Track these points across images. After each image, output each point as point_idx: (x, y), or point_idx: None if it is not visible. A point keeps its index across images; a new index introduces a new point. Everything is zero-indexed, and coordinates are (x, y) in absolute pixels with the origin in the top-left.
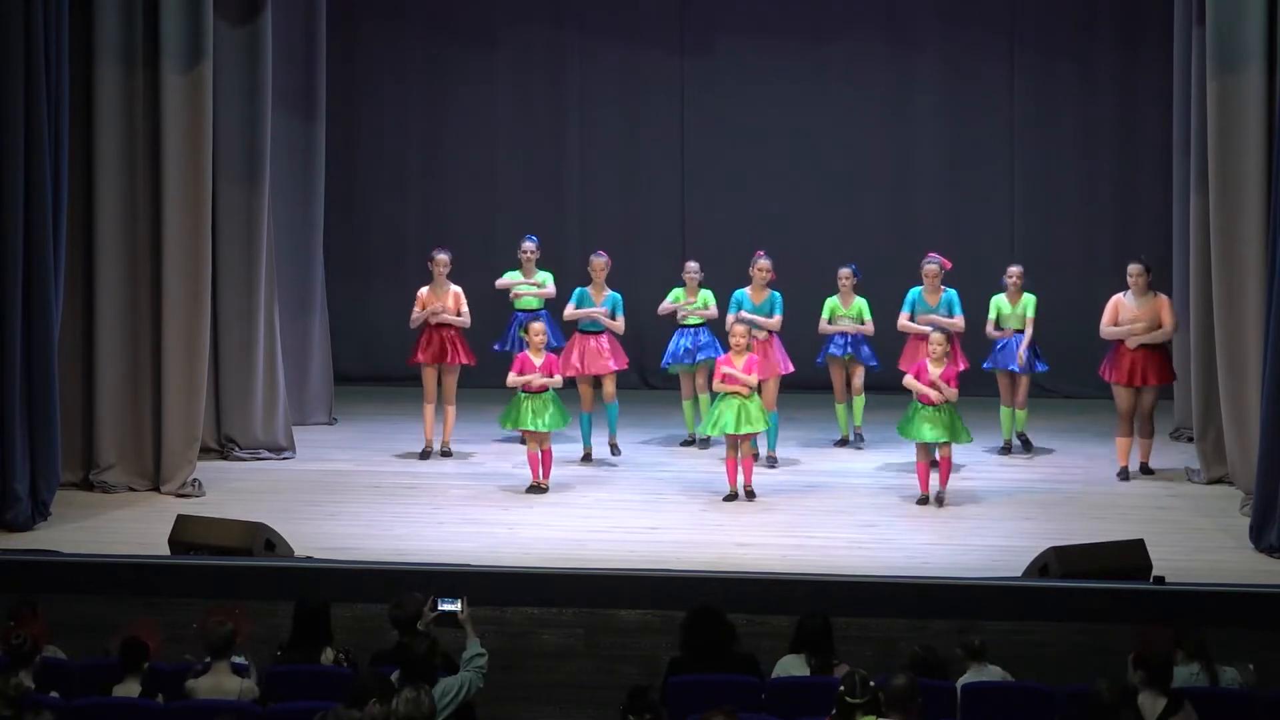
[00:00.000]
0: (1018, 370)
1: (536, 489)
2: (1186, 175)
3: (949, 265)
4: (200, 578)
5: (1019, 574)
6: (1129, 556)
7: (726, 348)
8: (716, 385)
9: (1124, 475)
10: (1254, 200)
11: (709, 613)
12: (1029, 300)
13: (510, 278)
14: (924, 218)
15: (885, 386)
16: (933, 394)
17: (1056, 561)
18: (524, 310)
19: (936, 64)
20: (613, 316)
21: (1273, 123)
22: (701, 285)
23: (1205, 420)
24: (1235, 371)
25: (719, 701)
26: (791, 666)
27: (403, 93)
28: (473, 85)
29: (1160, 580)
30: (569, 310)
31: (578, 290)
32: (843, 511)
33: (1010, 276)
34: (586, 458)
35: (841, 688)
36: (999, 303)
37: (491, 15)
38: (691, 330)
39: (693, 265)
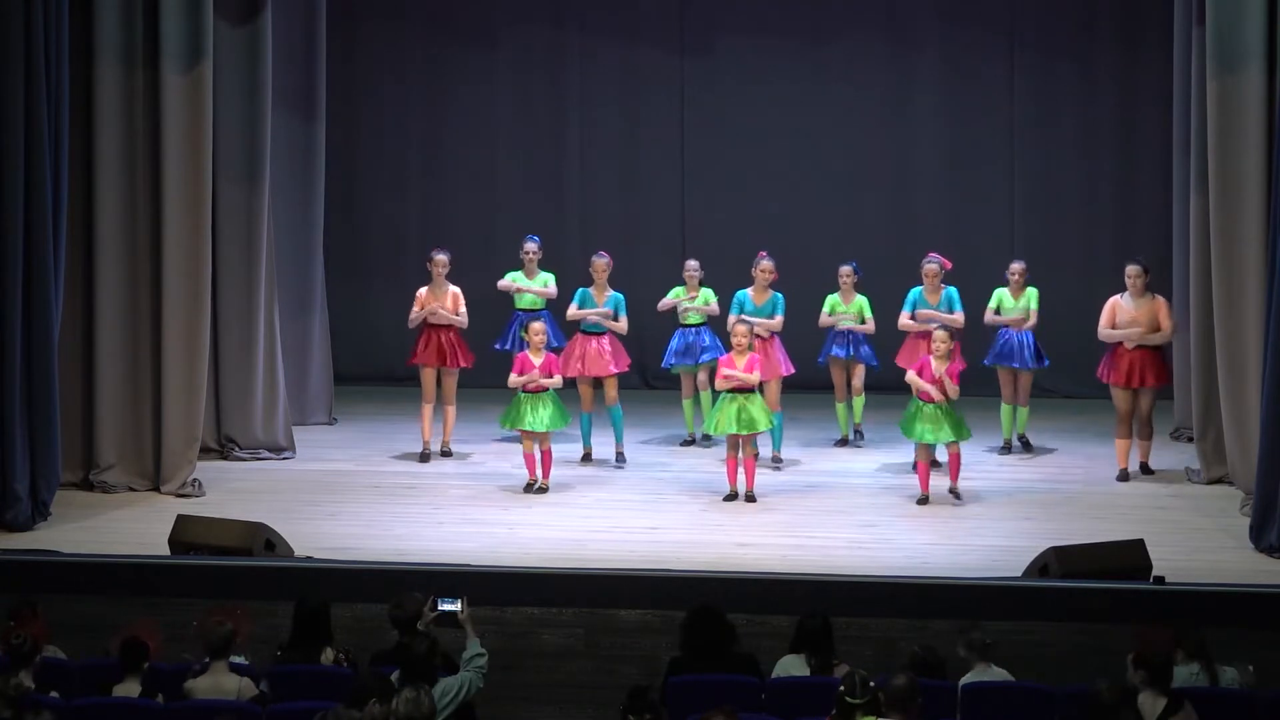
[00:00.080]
0: (1018, 366)
1: (532, 487)
2: (1186, 175)
3: (949, 265)
4: (200, 578)
5: (1019, 574)
6: (1129, 556)
7: (728, 348)
8: (719, 384)
9: (1124, 477)
10: (1254, 200)
11: (709, 613)
12: (1032, 293)
13: (512, 279)
14: (924, 218)
15: (885, 386)
16: (934, 392)
17: (1056, 561)
18: (525, 310)
19: (936, 64)
20: (615, 317)
21: (1273, 123)
22: (702, 284)
23: (1205, 420)
24: (1235, 371)
25: (719, 701)
26: (791, 666)
27: (403, 93)
28: (473, 85)
29: (1160, 580)
30: (571, 310)
31: (580, 291)
32: (843, 511)
33: (1013, 274)
34: (586, 458)
35: (841, 688)
36: (1001, 295)
37: (491, 15)
38: (692, 330)
39: (693, 264)
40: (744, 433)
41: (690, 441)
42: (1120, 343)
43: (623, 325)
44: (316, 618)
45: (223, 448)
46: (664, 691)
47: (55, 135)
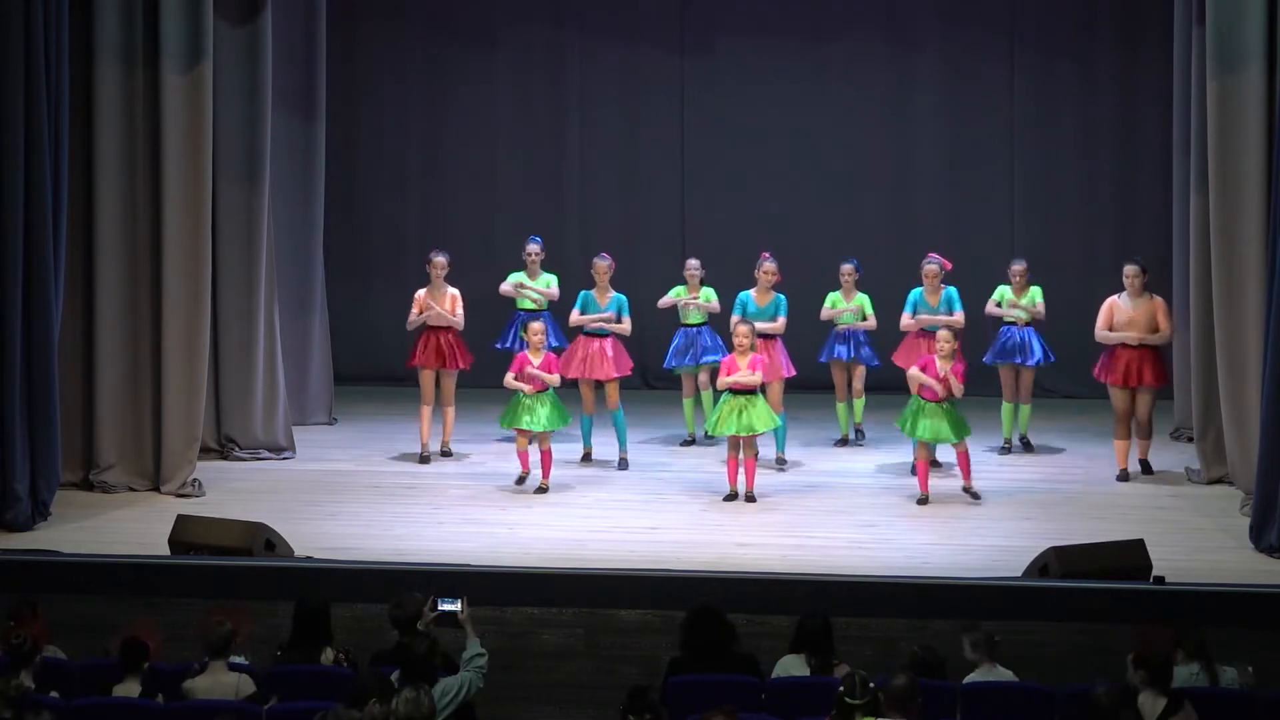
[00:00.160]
0: (1020, 362)
1: (523, 481)
2: (1186, 175)
3: (949, 266)
4: (200, 578)
5: (1019, 574)
6: (1129, 556)
7: (730, 348)
8: (721, 383)
9: (1123, 477)
10: (1254, 200)
11: (709, 613)
12: (1036, 291)
13: (514, 280)
14: (924, 218)
15: (885, 386)
16: (938, 387)
17: (1056, 561)
18: (526, 310)
19: (936, 64)
20: (618, 319)
21: (1273, 123)
22: (703, 283)
23: (1205, 420)
24: (1235, 371)
25: (719, 701)
26: (791, 666)
27: (403, 93)
28: (473, 85)
29: (1160, 580)
30: (574, 317)
31: (582, 294)
32: (843, 511)
33: (1014, 274)
34: (586, 457)
35: (841, 689)
36: (1004, 292)
37: (491, 15)
38: (693, 330)
39: (694, 263)
40: (744, 434)
41: (690, 441)
42: (1117, 343)
43: (626, 327)
44: (316, 618)
45: (223, 448)
46: (664, 691)
47: (55, 135)
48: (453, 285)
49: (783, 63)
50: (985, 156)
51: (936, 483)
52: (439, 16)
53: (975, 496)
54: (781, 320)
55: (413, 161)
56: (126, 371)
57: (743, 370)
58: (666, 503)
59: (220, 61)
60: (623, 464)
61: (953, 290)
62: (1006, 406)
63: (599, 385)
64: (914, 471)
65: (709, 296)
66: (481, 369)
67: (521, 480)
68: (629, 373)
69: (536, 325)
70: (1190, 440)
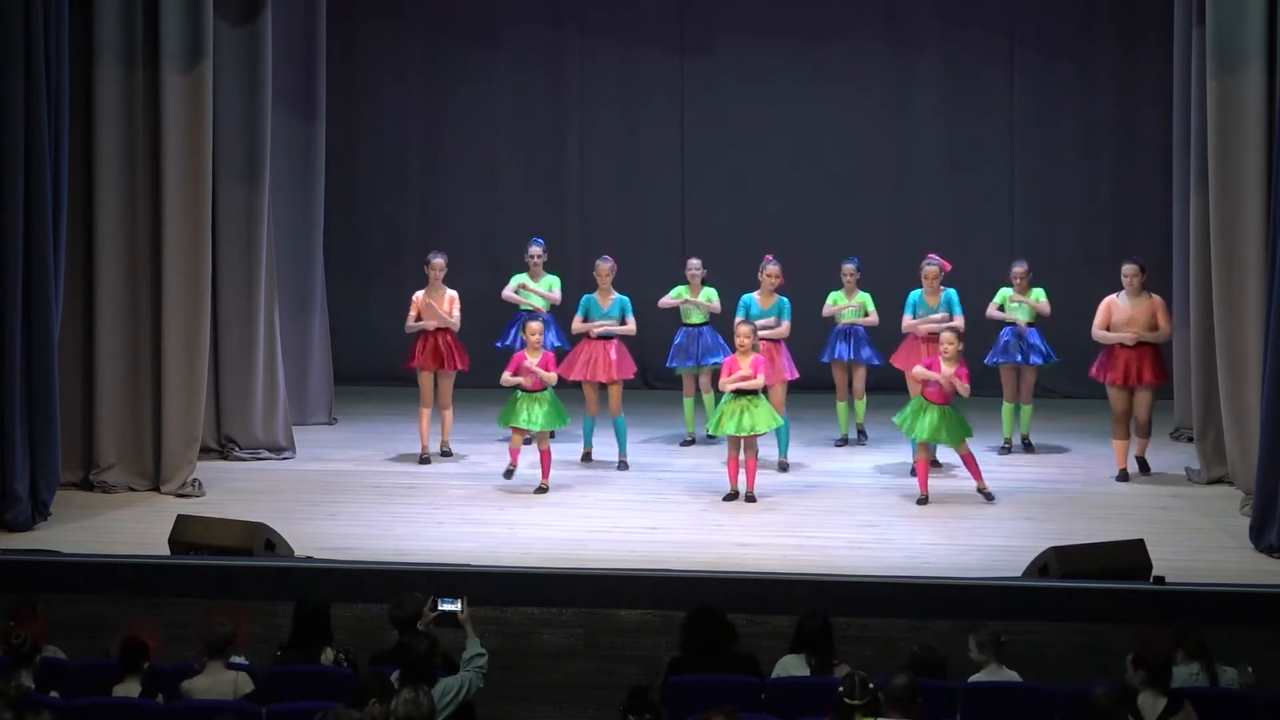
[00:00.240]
0: (1020, 361)
1: (511, 474)
2: (1186, 175)
3: (949, 267)
4: (200, 578)
5: (1019, 574)
6: (1129, 556)
7: (733, 348)
8: (724, 385)
9: (1123, 477)
10: (1254, 200)
11: (709, 613)
12: (1038, 293)
13: (517, 282)
14: (924, 218)
15: (885, 386)
16: (943, 381)
17: (1056, 561)
18: (529, 311)
19: (936, 64)
20: (622, 320)
21: (1273, 123)
22: (704, 283)
23: (1205, 420)
24: (1235, 371)
25: (719, 701)
26: (791, 666)
27: (403, 93)
28: (473, 85)
29: (1160, 580)
30: (576, 324)
31: (584, 298)
32: (843, 511)
33: (1016, 276)
34: (586, 457)
35: (840, 689)
36: (1007, 295)
37: (491, 15)
38: (695, 329)
39: (695, 262)
40: (745, 435)
41: (690, 442)
42: (1115, 343)
43: (631, 327)
44: (316, 618)
45: (223, 448)
46: (664, 691)
47: (55, 135)
48: (452, 286)
49: (783, 63)
50: (985, 156)
51: (936, 483)
52: (439, 16)
53: (990, 497)
54: (786, 325)
55: (413, 161)
56: (126, 371)
57: (744, 371)
58: (666, 503)
59: (220, 61)
60: (622, 465)
61: (952, 293)
62: (1007, 406)
63: (602, 387)
64: (914, 473)
65: (710, 296)
66: (482, 369)
67: (508, 474)
68: (632, 376)
69: (535, 325)
70: (1190, 440)
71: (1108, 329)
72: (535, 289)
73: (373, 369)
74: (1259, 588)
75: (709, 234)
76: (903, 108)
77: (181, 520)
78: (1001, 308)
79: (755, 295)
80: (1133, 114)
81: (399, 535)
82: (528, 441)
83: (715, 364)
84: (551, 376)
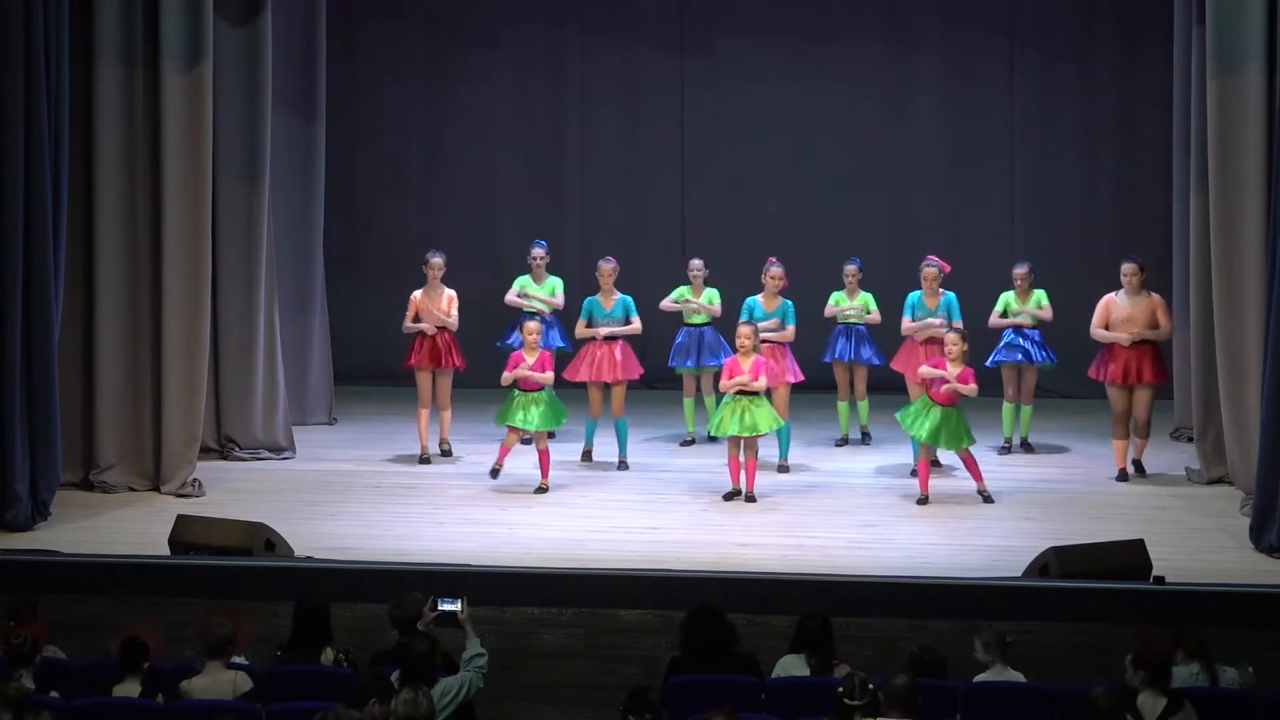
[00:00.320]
0: (1023, 360)
1: (497, 474)
2: (1186, 175)
3: (948, 269)
4: (200, 578)
5: (1019, 574)
6: (1129, 556)
7: (734, 349)
8: (724, 385)
9: (1123, 477)
10: (1254, 200)
11: (709, 613)
12: (1040, 295)
13: (519, 285)
14: (924, 218)
15: (886, 386)
16: (950, 377)
17: (1056, 561)
18: (531, 313)
19: (936, 64)
20: (627, 319)
21: (1273, 123)
22: (706, 283)
23: (1205, 420)
24: (1235, 371)
25: (719, 701)
26: (791, 666)
27: (403, 93)
28: (473, 85)
29: (1160, 580)
30: (580, 329)
31: (587, 301)
32: (843, 511)
33: (1017, 278)
34: (586, 455)
35: (840, 690)
36: (1008, 298)
37: (491, 15)
38: (697, 330)
39: (697, 263)
40: (746, 435)
41: (690, 442)
42: (1112, 342)
43: (636, 326)
44: (316, 618)
45: (223, 448)
46: (664, 691)
47: (55, 135)
48: (452, 286)
49: (783, 63)
50: (985, 156)
51: (936, 483)
52: (439, 16)
53: (989, 499)
54: (791, 329)
55: (413, 161)
56: (126, 371)
57: (743, 378)
58: (666, 503)
59: (220, 61)
60: (622, 465)
61: (952, 297)
62: (1007, 406)
63: (606, 388)
64: (913, 473)
65: (712, 298)
66: (482, 369)
67: (494, 474)
68: (637, 376)
69: (532, 325)
70: (1190, 440)
71: (1106, 328)
72: (538, 295)
73: (373, 369)
74: (1259, 588)
75: (709, 234)
76: (903, 108)
77: (181, 520)
78: (1004, 314)
79: (759, 298)
80: (1133, 114)
81: (399, 535)
82: (526, 441)
83: (715, 366)
84: (547, 377)
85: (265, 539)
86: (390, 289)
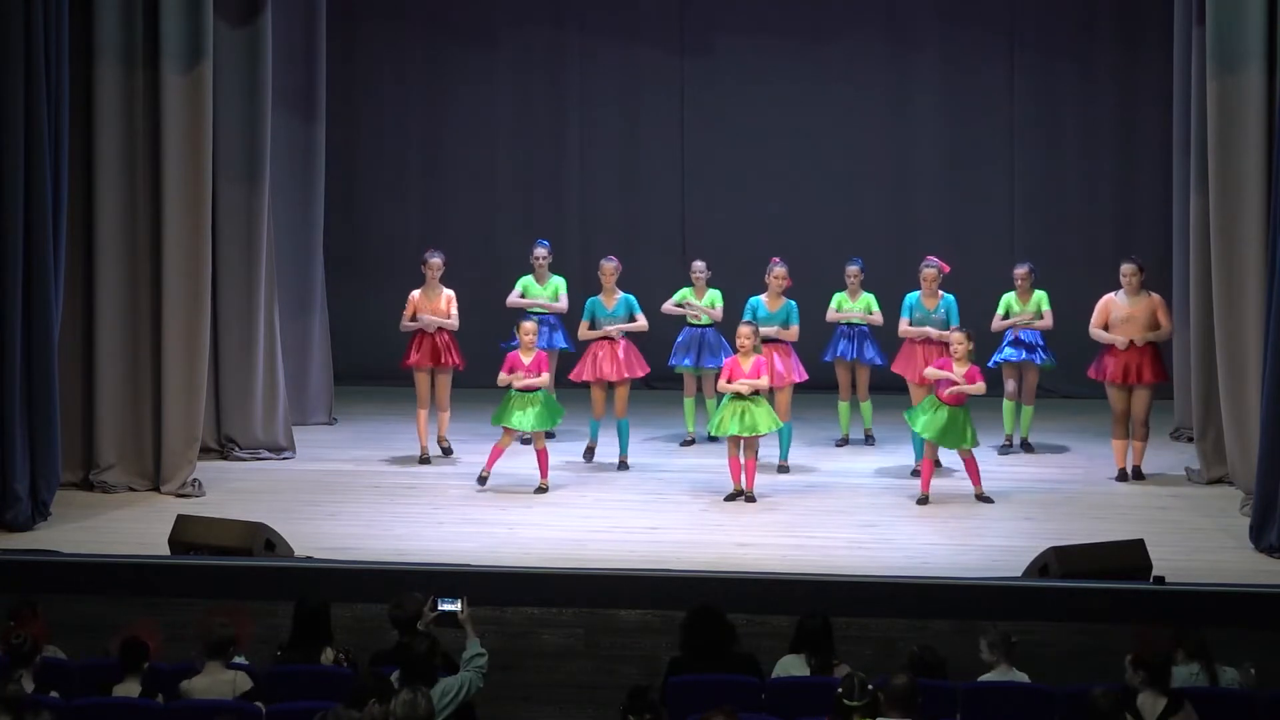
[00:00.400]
0: (1027, 359)
1: (485, 481)
2: (1186, 175)
3: (947, 269)
4: (200, 578)
5: (1019, 574)
6: (1129, 556)
7: (735, 350)
8: (723, 386)
9: (1123, 477)
10: (1254, 200)
11: (709, 613)
12: (1041, 295)
13: (522, 287)
14: (924, 218)
15: (888, 386)
16: (956, 377)
17: (1056, 561)
18: (537, 313)
19: (936, 64)
20: (631, 318)
21: (1273, 123)
22: (708, 285)
23: (1205, 420)
24: (1235, 371)
25: (719, 701)
26: (791, 666)
27: (403, 93)
28: (473, 85)
29: (1160, 580)
30: (582, 330)
31: (589, 302)
32: (843, 511)
33: (1018, 278)
34: (590, 452)
35: (839, 690)
36: (1010, 300)
37: (491, 15)
38: (698, 330)
39: (699, 265)
40: (746, 435)
41: (690, 442)
42: (1109, 344)
43: (642, 323)
44: (316, 618)
45: (223, 448)
46: (664, 691)
47: (55, 135)
48: (452, 286)
49: (783, 63)
50: (985, 156)
51: (936, 483)
52: (439, 16)
53: (989, 501)
54: (794, 329)
55: (413, 161)
56: (126, 371)
57: (746, 372)
58: (666, 503)
59: (220, 61)
60: (622, 465)
61: (951, 300)
62: (1008, 404)
63: (609, 387)
64: (914, 474)
65: (714, 300)
66: (482, 369)
67: (482, 480)
68: (641, 375)
69: (529, 325)
70: (1190, 440)
71: (1105, 328)
72: (540, 300)
73: (373, 369)
74: (1259, 588)
75: (709, 234)
76: (903, 108)
77: (181, 520)
78: (1006, 315)
79: (762, 298)
80: (1133, 114)
81: (399, 535)
82: (525, 441)
83: (716, 368)
84: (542, 380)
85: (265, 539)
86: (390, 289)
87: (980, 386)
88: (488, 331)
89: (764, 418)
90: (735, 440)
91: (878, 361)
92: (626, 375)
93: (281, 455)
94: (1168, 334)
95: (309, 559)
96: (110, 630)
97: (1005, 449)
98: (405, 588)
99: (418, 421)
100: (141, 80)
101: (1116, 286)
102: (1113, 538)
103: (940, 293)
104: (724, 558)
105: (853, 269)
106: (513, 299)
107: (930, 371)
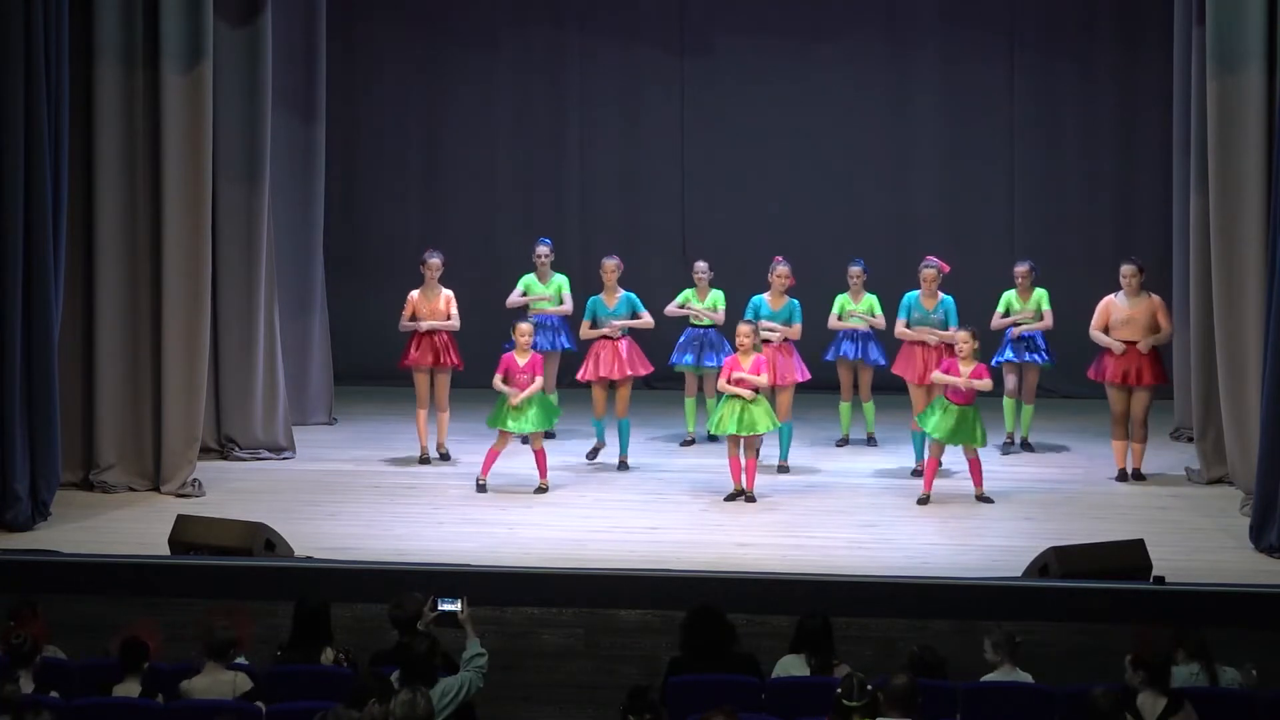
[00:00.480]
0: (1030, 360)
1: (484, 488)
2: (1186, 175)
3: (947, 269)
4: (200, 578)
5: (1019, 574)
6: (1129, 556)
7: (735, 349)
8: (722, 385)
9: (1123, 477)
10: (1254, 200)
11: (709, 613)
12: (1042, 294)
13: (524, 286)
14: (924, 218)
15: (889, 387)
16: (961, 384)
17: (1056, 561)
18: (542, 311)
19: (936, 64)
20: (634, 316)
21: (1273, 123)
22: (711, 285)
23: (1205, 420)
24: (1235, 371)
25: (719, 701)
26: (791, 666)
27: (403, 93)
28: (473, 85)
29: (1160, 580)
30: (584, 330)
31: (591, 301)
32: (843, 511)
33: (1018, 276)
34: (595, 452)
35: (839, 691)
36: (1010, 298)
37: (491, 15)
38: (701, 330)
39: (701, 265)
40: (744, 434)
41: (690, 441)
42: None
43: (648, 320)
44: (316, 618)
45: (223, 448)
46: (664, 691)
47: (55, 135)
48: (452, 286)
49: (783, 62)
50: (985, 156)
51: (937, 483)
52: (439, 16)
53: (989, 501)
54: (797, 327)
55: (413, 161)
56: (126, 371)
57: (746, 371)
58: (666, 503)
59: (220, 61)
60: (622, 465)
61: (950, 301)
62: (1008, 402)
63: (611, 386)
64: (914, 474)
65: (717, 300)
66: (483, 369)
67: (481, 487)
68: (644, 373)
69: (524, 327)
70: (1190, 440)
71: (1106, 329)
72: (543, 301)
73: (373, 369)
74: (1259, 588)
75: (709, 234)
76: (902, 107)
77: (181, 520)
78: (1006, 313)
79: (766, 296)
80: (1133, 114)
81: (399, 535)
82: (524, 441)
83: (716, 367)
84: (536, 387)
85: (265, 539)
86: (390, 289)
87: (987, 383)
88: (488, 332)
89: (762, 417)
90: (735, 439)
91: (881, 362)
92: (630, 373)
93: (281, 455)
94: (1168, 336)
95: (309, 559)
96: (110, 630)
97: (1007, 447)
98: (405, 588)
99: (417, 421)
100: (141, 80)
101: (1116, 287)
102: (1113, 538)
103: (939, 293)
104: (724, 558)
105: (855, 269)
106: (513, 299)
107: (938, 376)
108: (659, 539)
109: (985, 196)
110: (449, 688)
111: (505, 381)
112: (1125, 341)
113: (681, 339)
